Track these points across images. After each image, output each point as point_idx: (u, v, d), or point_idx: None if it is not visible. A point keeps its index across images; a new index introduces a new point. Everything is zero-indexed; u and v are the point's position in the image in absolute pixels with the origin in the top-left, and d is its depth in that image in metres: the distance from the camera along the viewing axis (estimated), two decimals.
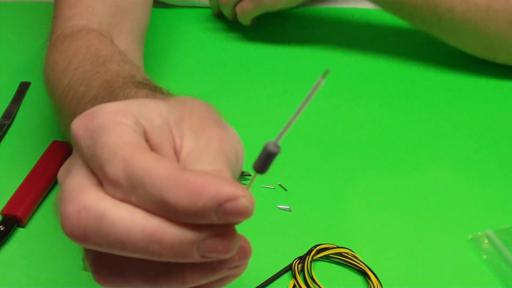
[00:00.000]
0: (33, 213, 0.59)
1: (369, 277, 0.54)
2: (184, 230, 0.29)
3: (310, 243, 0.56)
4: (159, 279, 0.31)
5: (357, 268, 0.55)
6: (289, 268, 0.55)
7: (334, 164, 0.66)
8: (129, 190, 0.29)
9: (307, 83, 0.79)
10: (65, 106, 0.51)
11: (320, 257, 0.55)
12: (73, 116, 0.45)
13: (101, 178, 0.30)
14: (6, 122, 0.69)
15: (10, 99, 0.73)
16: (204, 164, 0.32)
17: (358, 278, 0.55)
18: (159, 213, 0.29)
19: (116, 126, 0.31)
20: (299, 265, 0.54)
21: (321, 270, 0.55)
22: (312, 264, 0.54)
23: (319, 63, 0.82)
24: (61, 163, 0.62)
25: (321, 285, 0.53)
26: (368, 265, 0.54)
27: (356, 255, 0.55)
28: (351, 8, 0.92)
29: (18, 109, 0.72)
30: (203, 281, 0.31)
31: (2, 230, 0.56)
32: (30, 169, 0.62)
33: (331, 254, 0.55)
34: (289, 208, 0.61)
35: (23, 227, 0.58)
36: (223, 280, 0.33)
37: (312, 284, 0.53)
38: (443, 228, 0.60)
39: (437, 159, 0.68)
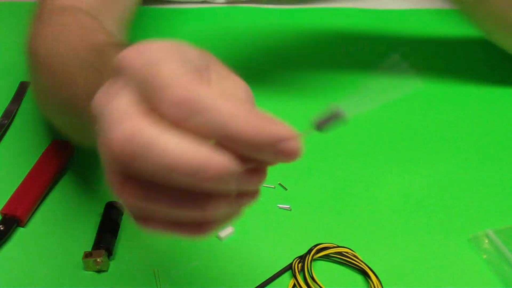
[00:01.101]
0: (33, 213, 0.59)
1: (369, 277, 0.54)
2: (231, 160, 0.30)
3: (310, 242, 0.56)
4: (183, 205, 0.32)
5: (357, 267, 0.55)
6: (289, 267, 0.55)
7: (335, 164, 0.66)
8: (186, 116, 0.30)
9: (306, 82, 0.79)
10: (52, 72, 0.52)
11: (320, 257, 0.55)
12: (60, 83, 0.49)
13: (156, 102, 0.31)
14: (6, 122, 0.69)
15: (10, 99, 0.73)
16: None
17: (358, 278, 0.55)
18: (214, 139, 0.30)
19: (171, 58, 0.32)
20: (299, 265, 0.54)
21: (321, 270, 0.55)
22: (312, 263, 0.54)
23: (319, 63, 0.82)
24: (61, 163, 0.63)
25: (321, 285, 0.53)
26: (368, 264, 0.54)
27: (356, 255, 0.55)
28: (352, 8, 0.92)
29: (18, 109, 0.72)
30: (222, 210, 0.33)
31: (2, 230, 0.56)
32: (30, 169, 0.62)
33: (331, 253, 0.55)
34: (289, 208, 0.61)
35: (23, 226, 0.58)
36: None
37: (312, 284, 0.53)
38: (443, 228, 0.60)
39: (437, 159, 0.68)
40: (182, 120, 0.30)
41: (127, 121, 0.30)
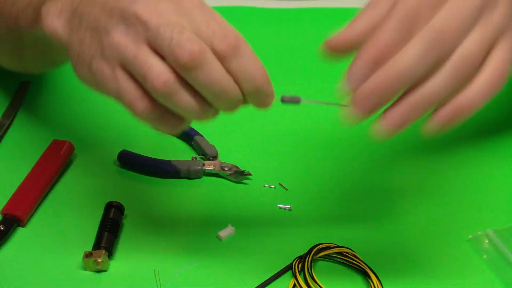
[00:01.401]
0: (33, 213, 0.59)
1: (369, 277, 0.54)
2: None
3: (311, 242, 0.56)
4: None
5: (357, 267, 0.55)
6: (289, 267, 0.54)
7: (335, 164, 0.66)
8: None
9: (306, 82, 0.79)
10: None
11: (320, 257, 0.55)
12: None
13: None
14: (6, 122, 0.69)
15: (10, 99, 0.73)
16: None
17: (358, 278, 0.55)
18: None
19: None
20: (300, 265, 0.54)
21: (321, 270, 0.55)
22: (313, 263, 0.54)
23: (319, 62, 0.82)
24: (62, 163, 0.63)
25: (321, 285, 0.53)
26: (368, 264, 0.54)
27: (357, 255, 0.55)
28: (352, 8, 0.92)
29: (18, 109, 0.72)
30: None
31: (2, 230, 0.56)
32: (30, 169, 0.62)
33: (332, 253, 0.55)
34: (289, 207, 0.61)
35: (23, 226, 0.58)
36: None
37: (313, 284, 0.53)
38: (443, 228, 0.60)
39: (437, 159, 0.68)
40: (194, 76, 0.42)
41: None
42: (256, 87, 0.44)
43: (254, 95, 0.45)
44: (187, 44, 0.41)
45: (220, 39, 0.42)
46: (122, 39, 0.43)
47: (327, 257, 0.56)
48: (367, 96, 0.42)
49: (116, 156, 0.64)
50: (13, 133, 0.69)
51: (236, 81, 0.43)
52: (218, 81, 0.42)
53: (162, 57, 0.42)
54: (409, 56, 0.40)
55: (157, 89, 0.42)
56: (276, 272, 0.54)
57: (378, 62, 0.41)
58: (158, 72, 0.42)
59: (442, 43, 0.40)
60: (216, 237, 0.57)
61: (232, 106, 0.45)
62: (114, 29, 0.43)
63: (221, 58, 0.42)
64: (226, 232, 0.57)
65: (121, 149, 0.65)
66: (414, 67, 0.41)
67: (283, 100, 0.49)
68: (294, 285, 0.53)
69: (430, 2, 0.41)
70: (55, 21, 0.49)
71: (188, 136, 0.68)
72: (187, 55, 0.41)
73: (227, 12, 0.92)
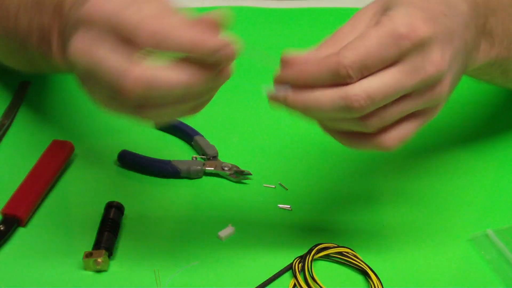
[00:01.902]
0: (34, 213, 0.59)
1: (369, 277, 0.54)
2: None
3: (311, 242, 0.56)
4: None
5: (357, 267, 0.55)
6: (289, 267, 0.55)
7: (335, 163, 0.66)
8: (156, 44, 0.42)
9: None
10: None
11: (320, 257, 0.55)
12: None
13: (132, 38, 0.42)
14: (6, 122, 0.69)
15: (10, 99, 0.73)
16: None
17: (358, 278, 0.55)
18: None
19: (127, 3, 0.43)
20: (300, 265, 0.54)
21: (321, 270, 0.55)
22: (313, 263, 0.54)
23: None
24: (62, 163, 0.63)
25: (321, 285, 0.53)
26: (368, 264, 0.54)
27: (357, 255, 0.55)
28: (353, 8, 0.92)
29: (18, 109, 0.72)
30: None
31: (2, 230, 0.56)
32: (30, 169, 0.62)
33: (332, 253, 0.55)
34: (289, 207, 0.61)
35: (23, 226, 0.58)
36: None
37: (313, 284, 0.53)
38: (443, 228, 0.60)
39: (437, 159, 0.68)
40: (155, 47, 0.42)
41: (129, 71, 0.42)
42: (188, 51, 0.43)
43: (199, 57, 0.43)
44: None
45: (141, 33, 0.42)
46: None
47: (327, 257, 0.56)
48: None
49: (116, 156, 0.64)
50: (13, 133, 0.69)
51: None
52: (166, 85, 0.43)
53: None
54: (322, 104, 0.44)
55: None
56: (276, 272, 0.54)
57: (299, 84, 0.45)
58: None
59: (349, 109, 0.43)
60: (216, 237, 0.57)
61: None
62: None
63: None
64: (226, 232, 0.57)
65: (121, 149, 0.65)
66: (323, 111, 0.44)
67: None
68: (294, 285, 0.53)
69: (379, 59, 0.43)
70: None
71: (188, 136, 0.68)
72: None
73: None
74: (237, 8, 0.92)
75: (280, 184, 0.63)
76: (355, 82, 0.43)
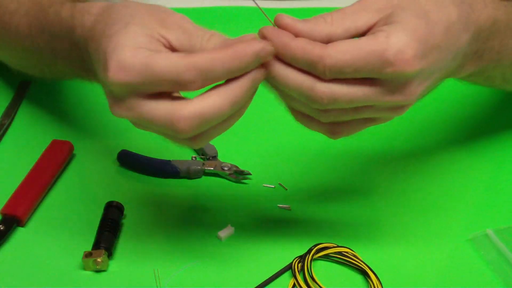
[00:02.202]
0: (33, 213, 0.59)
1: (369, 276, 0.54)
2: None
3: (310, 242, 0.56)
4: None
5: (357, 267, 0.55)
6: (289, 267, 0.55)
7: (335, 164, 0.66)
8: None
9: None
10: None
11: (320, 256, 0.55)
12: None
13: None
14: (6, 122, 0.69)
15: (10, 99, 0.73)
16: (206, 41, 0.46)
17: (358, 278, 0.55)
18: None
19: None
20: (299, 264, 0.54)
21: (321, 269, 0.55)
22: (312, 263, 0.54)
23: None
24: (61, 163, 0.63)
25: (321, 285, 0.53)
26: (368, 264, 0.54)
27: (356, 255, 0.55)
28: None
29: (18, 109, 0.72)
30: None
31: (1, 230, 0.56)
32: (30, 169, 0.62)
33: (331, 253, 0.55)
34: (289, 207, 0.61)
35: (23, 226, 0.58)
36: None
37: (312, 284, 0.53)
38: (443, 228, 0.60)
39: (437, 159, 0.68)
40: (203, 84, 0.44)
41: (180, 113, 0.44)
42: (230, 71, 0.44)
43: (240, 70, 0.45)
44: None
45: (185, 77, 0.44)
46: None
47: (327, 257, 0.56)
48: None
49: (116, 156, 0.65)
50: (13, 133, 0.69)
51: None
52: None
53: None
54: (289, 83, 0.45)
55: None
56: (275, 272, 0.54)
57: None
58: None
59: (321, 103, 0.45)
60: (216, 237, 0.57)
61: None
62: None
63: None
64: (226, 232, 0.57)
65: (121, 149, 0.65)
66: (288, 89, 0.46)
67: None
68: (294, 285, 0.53)
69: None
70: None
71: None
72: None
73: (228, 12, 0.93)
74: (237, 8, 0.92)
75: (280, 184, 0.63)
76: (326, 80, 0.44)
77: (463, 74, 0.55)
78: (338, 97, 0.44)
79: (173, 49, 0.46)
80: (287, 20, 0.46)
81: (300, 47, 0.44)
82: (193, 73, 0.42)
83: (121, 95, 0.45)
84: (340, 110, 0.46)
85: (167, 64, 0.42)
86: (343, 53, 0.43)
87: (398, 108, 0.46)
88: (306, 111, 0.47)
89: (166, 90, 0.44)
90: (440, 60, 0.46)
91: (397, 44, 0.43)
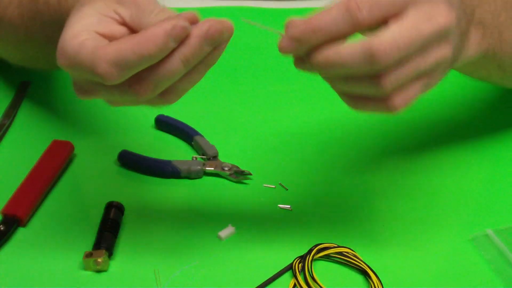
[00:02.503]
0: (34, 213, 0.59)
1: (369, 277, 0.54)
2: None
3: (311, 242, 0.56)
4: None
5: (357, 267, 0.55)
6: (289, 267, 0.55)
7: (335, 164, 0.66)
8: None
9: (305, 81, 0.79)
10: None
11: (320, 257, 0.55)
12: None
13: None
14: (6, 122, 0.69)
15: (10, 99, 0.73)
16: (154, 16, 0.46)
17: (358, 278, 0.55)
18: None
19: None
20: (300, 265, 0.54)
21: (321, 270, 0.55)
22: (313, 263, 0.54)
23: None
24: (62, 163, 0.63)
25: (321, 285, 0.53)
26: (368, 264, 0.54)
27: (357, 255, 0.55)
28: None
29: (18, 109, 0.72)
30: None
31: (2, 230, 0.56)
32: (30, 169, 0.62)
33: (332, 253, 0.55)
34: (289, 208, 0.61)
35: (23, 226, 0.58)
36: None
37: (313, 284, 0.53)
38: (443, 228, 0.60)
39: (437, 159, 0.68)
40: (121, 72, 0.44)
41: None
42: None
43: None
44: None
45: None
46: None
47: (328, 257, 0.56)
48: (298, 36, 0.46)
49: (116, 156, 0.65)
50: (13, 133, 0.69)
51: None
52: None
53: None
54: (340, 55, 0.44)
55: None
56: (276, 272, 0.54)
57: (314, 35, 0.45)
58: None
59: (372, 60, 0.43)
60: (216, 237, 0.57)
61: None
62: None
63: None
64: (226, 232, 0.57)
65: (121, 149, 0.65)
66: (342, 64, 0.44)
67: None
68: (294, 285, 0.53)
69: (386, 10, 0.43)
70: None
71: (188, 136, 0.68)
72: None
73: (227, 12, 0.93)
74: (237, 8, 0.92)
75: (280, 184, 0.63)
76: (369, 23, 0.43)
77: (474, 48, 0.55)
78: (396, 40, 0.42)
79: (126, 25, 0.47)
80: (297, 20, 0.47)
81: (324, 14, 0.44)
82: (104, 66, 0.43)
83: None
84: (397, 69, 0.44)
85: (86, 55, 0.43)
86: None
87: (441, 46, 0.45)
88: (364, 89, 0.46)
89: (94, 81, 0.45)
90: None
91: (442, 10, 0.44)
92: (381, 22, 0.43)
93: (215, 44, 0.45)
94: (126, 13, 0.47)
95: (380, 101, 0.46)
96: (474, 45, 0.55)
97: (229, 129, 0.71)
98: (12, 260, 0.55)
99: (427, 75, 0.46)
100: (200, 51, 0.44)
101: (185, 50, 0.44)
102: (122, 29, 0.47)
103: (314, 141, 0.70)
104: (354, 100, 0.47)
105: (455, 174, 0.66)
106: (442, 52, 0.46)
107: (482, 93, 0.78)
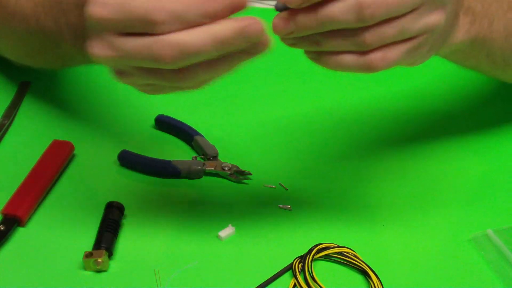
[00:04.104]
0: (34, 213, 0.59)
1: (369, 277, 0.54)
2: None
3: (311, 242, 0.56)
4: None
5: (357, 267, 0.55)
6: (289, 267, 0.55)
7: (335, 164, 0.67)
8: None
9: (305, 81, 0.79)
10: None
11: (320, 257, 0.55)
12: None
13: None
14: (6, 122, 0.69)
15: (10, 99, 0.73)
16: None
17: (358, 278, 0.55)
18: None
19: None
20: (300, 265, 0.54)
21: (321, 270, 0.55)
22: (313, 263, 0.54)
23: None
24: (62, 163, 0.63)
25: (321, 285, 0.53)
26: (368, 264, 0.54)
27: (357, 255, 0.55)
28: None
29: (18, 109, 0.72)
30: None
31: (2, 230, 0.56)
32: (30, 169, 0.62)
33: (332, 253, 0.55)
34: (289, 207, 0.61)
35: (23, 226, 0.58)
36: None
37: (313, 284, 0.53)
38: (443, 228, 0.60)
39: (437, 159, 0.68)
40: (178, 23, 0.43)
41: (159, 41, 0.43)
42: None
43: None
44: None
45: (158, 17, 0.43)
46: None
47: (328, 257, 0.56)
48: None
49: (116, 156, 0.65)
50: (13, 133, 0.69)
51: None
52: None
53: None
54: (330, 10, 0.44)
55: None
56: (276, 272, 0.54)
57: None
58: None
59: (360, 13, 0.43)
60: (216, 237, 0.57)
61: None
62: None
63: None
64: (226, 232, 0.57)
65: (121, 149, 0.65)
66: (331, 18, 0.44)
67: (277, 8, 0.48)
68: (295, 285, 0.53)
69: None
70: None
71: (188, 136, 0.68)
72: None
73: None
74: None
75: (281, 184, 0.63)
76: None
77: (462, 34, 0.55)
78: None
79: None
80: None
81: None
82: (163, 14, 0.42)
83: (101, 32, 0.45)
84: (383, 26, 0.44)
85: (140, 2, 0.43)
86: None
87: (434, 11, 0.46)
88: (345, 44, 0.46)
89: (141, 31, 0.44)
90: None
91: None
92: None
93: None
94: None
95: (359, 56, 0.46)
96: (462, 31, 0.55)
97: (229, 129, 0.71)
98: (12, 260, 0.55)
99: (413, 40, 0.46)
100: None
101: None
102: None
103: (315, 141, 0.70)
104: (334, 56, 0.47)
105: (455, 174, 0.66)
106: (434, 17, 0.46)
107: (485, 92, 0.79)
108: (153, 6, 0.42)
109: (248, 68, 0.83)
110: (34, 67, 0.69)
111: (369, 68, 0.46)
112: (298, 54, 0.85)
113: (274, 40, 0.46)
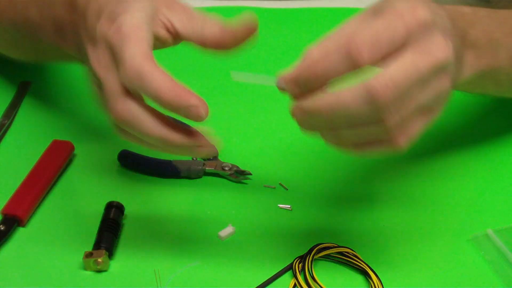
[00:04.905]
0: (34, 213, 0.59)
1: (370, 277, 0.54)
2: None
3: (311, 242, 0.56)
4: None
5: (358, 267, 0.55)
6: (289, 267, 0.55)
7: (335, 164, 0.66)
8: (134, 86, 0.45)
9: None
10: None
11: (321, 257, 0.55)
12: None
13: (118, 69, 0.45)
14: (6, 122, 0.69)
15: (10, 99, 0.73)
16: (202, 24, 0.50)
17: (359, 278, 0.55)
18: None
19: (137, 40, 0.45)
20: (300, 265, 0.54)
21: (322, 270, 0.55)
22: (313, 263, 0.54)
23: None
24: (62, 163, 0.63)
25: (322, 285, 0.53)
26: (369, 264, 0.55)
27: (357, 255, 0.55)
28: (353, 8, 0.92)
29: (18, 109, 0.72)
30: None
31: (2, 230, 0.56)
32: (30, 169, 0.62)
33: (332, 253, 0.55)
34: (290, 207, 0.61)
35: (23, 226, 0.58)
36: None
37: (313, 284, 0.53)
38: (443, 228, 0.60)
39: (437, 159, 0.68)
40: (131, 89, 0.45)
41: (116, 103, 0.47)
42: (166, 103, 0.44)
43: (174, 111, 0.45)
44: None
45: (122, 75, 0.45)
46: None
47: (328, 257, 0.56)
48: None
49: (116, 156, 0.65)
50: (13, 133, 0.69)
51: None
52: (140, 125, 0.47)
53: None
54: (340, 99, 0.43)
55: None
56: (276, 272, 0.54)
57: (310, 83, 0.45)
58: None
59: (373, 101, 0.42)
60: (216, 237, 0.57)
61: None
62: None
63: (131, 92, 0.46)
64: (226, 232, 0.57)
65: (121, 149, 0.65)
66: (344, 107, 0.43)
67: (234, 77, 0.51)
68: (295, 285, 0.53)
69: (387, 47, 0.42)
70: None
71: None
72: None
73: (227, 12, 0.93)
74: (237, 8, 0.92)
75: (281, 184, 0.63)
76: (369, 64, 0.42)
77: (469, 70, 0.54)
78: (395, 78, 0.42)
79: (173, 29, 0.48)
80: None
81: (324, 54, 0.44)
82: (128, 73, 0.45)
83: (96, 45, 0.48)
84: (400, 105, 0.44)
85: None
86: (365, 31, 0.42)
87: (440, 79, 0.45)
88: (367, 134, 0.45)
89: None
90: (444, 24, 0.46)
91: (403, 4, 0.44)
92: (381, 60, 0.42)
93: None
94: (176, 19, 0.47)
95: (385, 142, 0.46)
96: (468, 67, 0.54)
97: (229, 129, 0.71)
98: (12, 260, 0.55)
99: (429, 109, 0.46)
100: None
101: None
102: (167, 35, 0.49)
103: (315, 141, 0.70)
104: (359, 147, 0.47)
105: (455, 174, 0.66)
106: (441, 84, 0.45)
107: (481, 96, 0.78)
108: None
109: (248, 68, 0.83)
110: (11, 57, 0.70)
111: (397, 151, 0.46)
112: (298, 54, 0.85)
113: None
